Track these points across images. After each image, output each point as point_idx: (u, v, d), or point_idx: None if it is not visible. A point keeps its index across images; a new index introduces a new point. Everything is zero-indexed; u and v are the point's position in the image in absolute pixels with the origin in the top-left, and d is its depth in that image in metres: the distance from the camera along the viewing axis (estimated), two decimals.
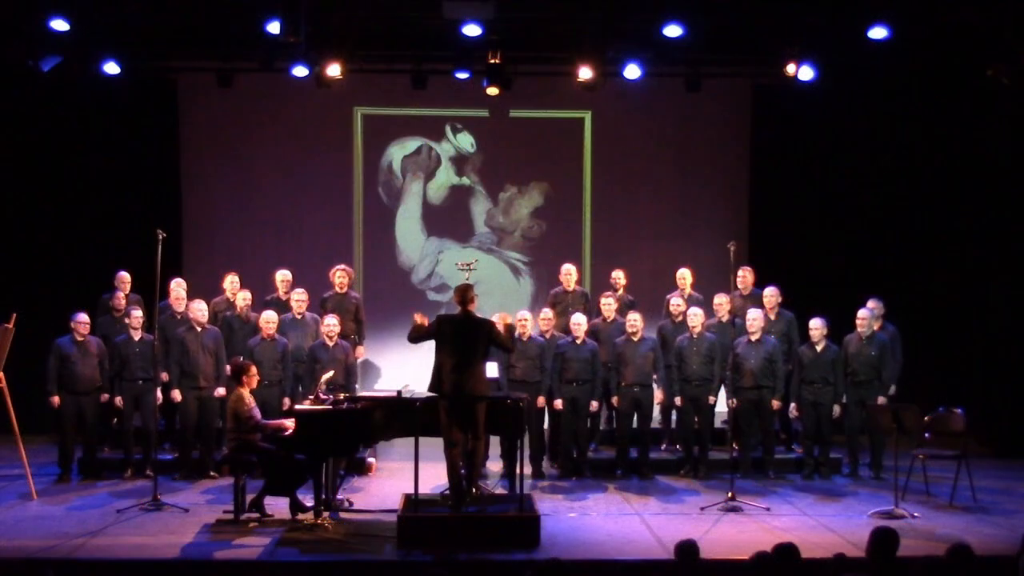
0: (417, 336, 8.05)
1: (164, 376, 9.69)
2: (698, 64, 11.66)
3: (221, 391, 9.57)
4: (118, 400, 9.64)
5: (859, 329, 9.78)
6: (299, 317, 10.16)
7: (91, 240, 11.72)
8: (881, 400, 9.55)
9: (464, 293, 8.10)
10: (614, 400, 9.79)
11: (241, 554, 7.41)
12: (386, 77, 12.03)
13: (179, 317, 9.99)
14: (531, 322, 9.82)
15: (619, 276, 10.67)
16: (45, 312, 10.18)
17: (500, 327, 8.19)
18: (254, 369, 8.58)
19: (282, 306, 10.24)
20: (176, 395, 9.59)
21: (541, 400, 9.66)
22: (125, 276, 10.36)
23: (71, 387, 9.46)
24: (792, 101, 11.55)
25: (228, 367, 9.31)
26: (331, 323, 9.71)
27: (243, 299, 10.22)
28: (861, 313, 9.78)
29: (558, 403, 9.65)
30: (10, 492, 9.09)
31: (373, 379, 11.93)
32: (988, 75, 10.45)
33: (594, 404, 9.73)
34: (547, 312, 10.10)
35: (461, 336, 7.93)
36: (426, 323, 8.06)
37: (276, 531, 7.89)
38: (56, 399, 9.46)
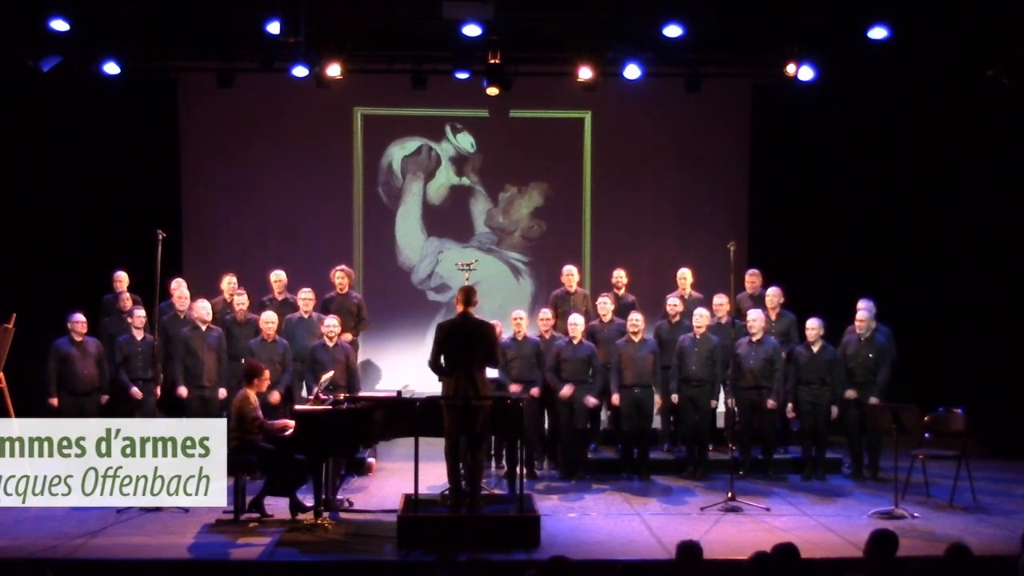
0: (434, 360, 8.03)
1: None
2: (698, 64, 11.65)
3: (223, 392, 9.56)
4: (134, 391, 9.56)
5: (858, 330, 9.77)
6: (306, 316, 10.15)
7: (91, 240, 11.72)
8: (873, 400, 9.51)
9: (467, 295, 8.10)
10: (615, 399, 9.73)
11: (241, 554, 7.40)
12: (386, 77, 12.02)
13: (182, 317, 9.99)
14: (526, 321, 9.82)
15: (620, 276, 10.64)
16: (45, 312, 10.17)
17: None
18: (267, 374, 8.56)
19: (278, 306, 10.22)
20: (183, 391, 9.57)
21: (535, 390, 9.58)
22: (122, 276, 10.33)
23: (71, 388, 9.44)
24: (792, 101, 11.54)
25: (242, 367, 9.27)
26: (331, 324, 9.69)
27: (239, 303, 10.15)
28: (860, 315, 9.75)
29: (535, 390, 9.54)
30: None
31: (373, 379, 11.92)
32: (988, 75, 10.45)
33: (591, 400, 9.65)
34: (546, 312, 10.08)
35: (458, 339, 7.94)
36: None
37: (276, 531, 7.89)
38: (55, 401, 9.44)
